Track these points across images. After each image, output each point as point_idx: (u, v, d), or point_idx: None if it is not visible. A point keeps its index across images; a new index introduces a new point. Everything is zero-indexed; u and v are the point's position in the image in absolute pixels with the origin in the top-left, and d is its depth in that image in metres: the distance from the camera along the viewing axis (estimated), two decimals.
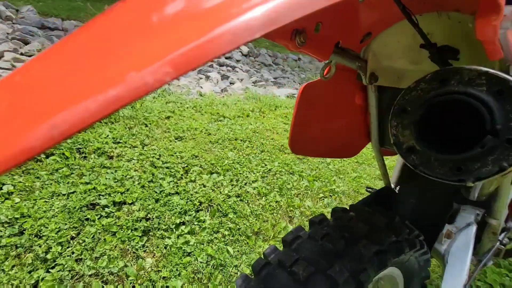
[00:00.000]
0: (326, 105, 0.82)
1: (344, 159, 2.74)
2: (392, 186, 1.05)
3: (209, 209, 1.74)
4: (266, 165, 2.29)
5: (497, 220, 0.82)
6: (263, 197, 1.93)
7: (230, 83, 4.33)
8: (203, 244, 1.49)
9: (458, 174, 0.26)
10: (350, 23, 0.58)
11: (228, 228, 1.62)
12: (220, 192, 1.88)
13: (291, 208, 1.88)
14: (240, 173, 2.11)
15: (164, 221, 1.56)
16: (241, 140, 2.56)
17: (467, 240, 0.77)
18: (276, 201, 1.91)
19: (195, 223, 1.61)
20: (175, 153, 2.12)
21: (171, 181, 1.84)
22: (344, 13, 0.54)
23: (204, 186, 1.90)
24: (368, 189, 1.61)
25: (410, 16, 0.52)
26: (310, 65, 7.56)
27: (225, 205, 1.77)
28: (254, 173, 2.15)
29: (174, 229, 1.53)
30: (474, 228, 0.80)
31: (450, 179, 0.27)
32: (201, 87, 3.72)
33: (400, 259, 0.65)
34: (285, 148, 2.59)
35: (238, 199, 1.86)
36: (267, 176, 2.17)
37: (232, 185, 1.97)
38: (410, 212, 0.86)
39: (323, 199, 2.07)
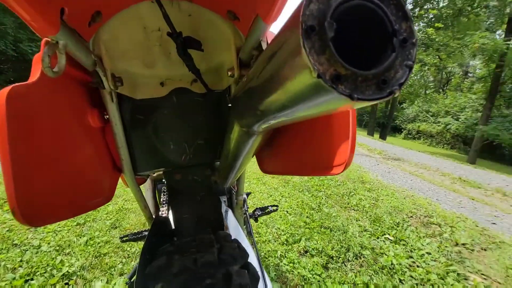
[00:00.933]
0: (55, 129, 0.48)
1: (74, 231, 2.25)
2: (159, 214, 0.97)
3: None
4: None
5: (242, 195, 1.00)
6: None
7: None
8: None
9: (385, 87, 0.23)
10: None
11: None
12: None
13: None
14: None
15: None
16: None
17: (233, 223, 0.86)
18: None
19: None
20: None
21: None
22: None
23: None
24: (123, 238, 1.28)
25: None
26: None
27: None
28: None
29: None
30: (229, 211, 0.92)
31: (383, 97, 0.23)
32: None
33: None
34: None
35: None
36: None
37: None
38: (195, 222, 0.81)
39: None
